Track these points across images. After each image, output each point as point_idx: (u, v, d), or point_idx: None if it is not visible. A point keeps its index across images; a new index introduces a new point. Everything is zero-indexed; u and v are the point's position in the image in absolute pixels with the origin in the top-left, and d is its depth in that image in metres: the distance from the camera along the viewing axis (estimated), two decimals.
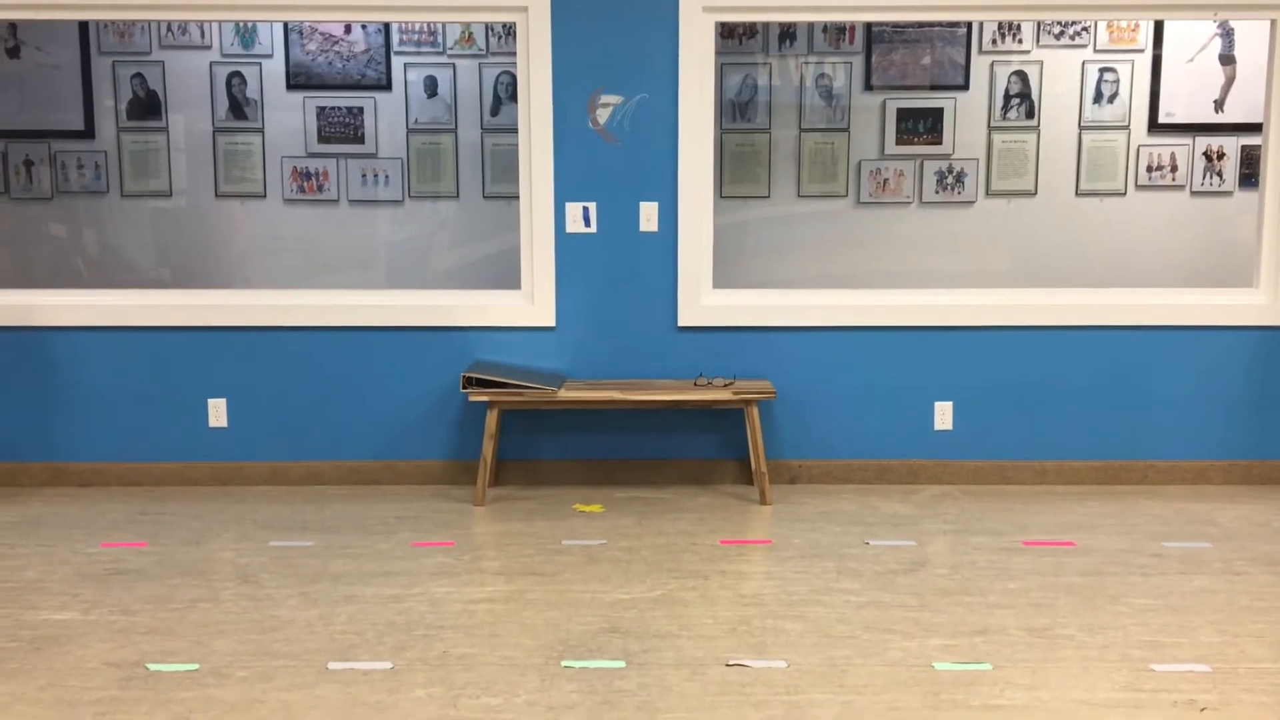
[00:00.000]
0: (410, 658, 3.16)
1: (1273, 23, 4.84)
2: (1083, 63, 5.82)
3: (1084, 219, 5.93)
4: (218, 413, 4.99)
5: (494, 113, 5.89)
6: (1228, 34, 5.80)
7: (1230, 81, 5.84)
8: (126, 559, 4.03)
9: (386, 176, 5.93)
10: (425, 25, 5.80)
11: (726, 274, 5.77)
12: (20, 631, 3.35)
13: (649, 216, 4.90)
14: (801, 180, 5.90)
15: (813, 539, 4.25)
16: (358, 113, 5.88)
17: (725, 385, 4.80)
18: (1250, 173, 5.86)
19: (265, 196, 5.93)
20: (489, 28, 5.81)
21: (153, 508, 4.69)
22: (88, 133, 5.89)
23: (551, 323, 4.94)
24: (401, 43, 5.84)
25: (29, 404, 4.98)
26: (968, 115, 5.86)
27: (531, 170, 4.86)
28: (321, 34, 5.81)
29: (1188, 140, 5.87)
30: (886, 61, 5.82)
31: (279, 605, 3.56)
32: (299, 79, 5.86)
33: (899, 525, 4.43)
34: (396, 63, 5.86)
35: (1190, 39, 5.80)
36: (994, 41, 5.80)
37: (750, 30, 5.78)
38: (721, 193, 5.87)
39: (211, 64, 5.84)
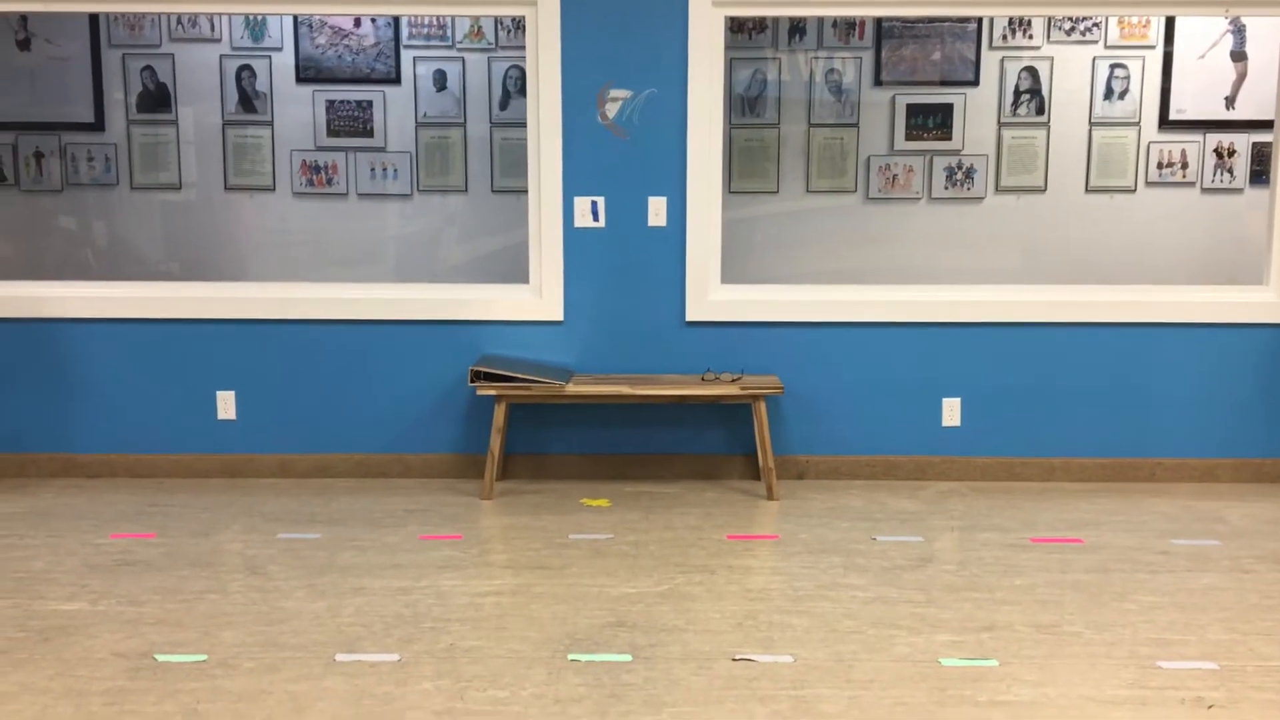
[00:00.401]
0: (417, 650, 3.16)
1: None
2: (1093, 59, 5.80)
3: (1094, 215, 5.92)
4: (226, 405, 5.00)
5: (503, 107, 5.89)
6: (1239, 30, 5.77)
7: (1241, 78, 5.81)
8: (135, 550, 4.04)
9: (395, 170, 5.94)
10: (435, 19, 5.80)
11: (735, 269, 5.77)
12: (29, 622, 3.37)
13: (657, 211, 4.90)
14: (810, 176, 5.89)
15: (820, 534, 4.25)
16: (367, 106, 5.89)
17: (733, 380, 4.79)
18: (1261, 170, 5.84)
19: (274, 190, 5.94)
20: (498, 21, 5.81)
21: (161, 499, 4.70)
22: (98, 125, 5.90)
23: (559, 317, 4.94)
24: (411, 36, 5.84)
25: (38, 396, 5.00)
26: (977, 111, 5.84)
27: (540, 164, 4.86)
28: (331, 27, 5.81)
29: (1198, 137, 5.85)
30: (896, 57, 5.80)
31: (287, 597, 3.57)
32: (308, 72, 5.86)
33: (906, 521, 4.43)
34: (406, 56, 5.86)
35: (1202, 35, 5.77)
36: (1004, 37, 5.79)
37: (760, 25, 5.77)
38: (730, 188, 5.87)
39: (221, 57, 5.85)
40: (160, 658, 3.11)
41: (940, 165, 5.88)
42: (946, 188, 5.90)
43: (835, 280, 5.85)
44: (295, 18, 5.80)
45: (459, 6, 4.80)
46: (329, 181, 5.94)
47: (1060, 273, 5.89)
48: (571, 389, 4.65)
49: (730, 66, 5.78)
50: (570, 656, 3.13)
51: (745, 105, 5.85)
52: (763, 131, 5.87)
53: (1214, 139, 5.85)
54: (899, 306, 4.94)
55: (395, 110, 5.90)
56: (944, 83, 5.83)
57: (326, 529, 4.30)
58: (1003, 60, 5.81)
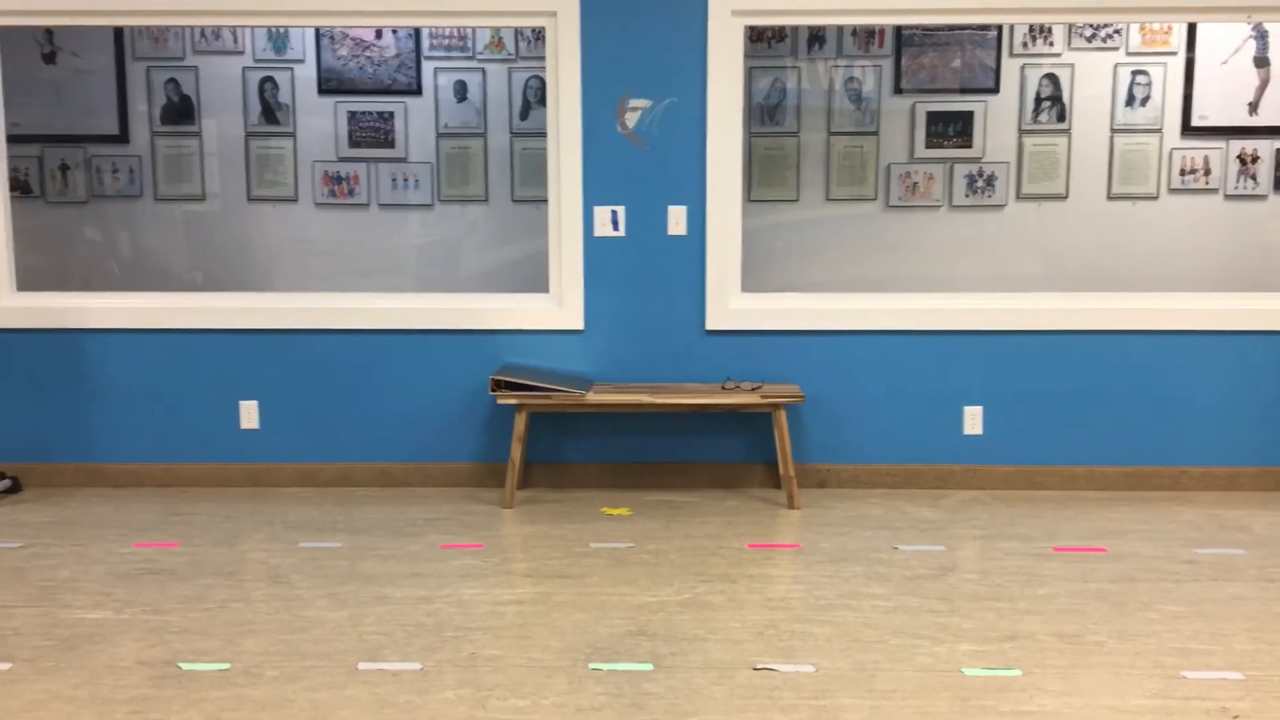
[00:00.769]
0: (439, 659, 3.17)
1: None
2: (1115, 65, 5.78)
3: (1116, 223, 5.88)
4: (249, 414, 5.03)
5: (523, 117, 5.92)
6: (1262, 36, 5.74)
7: (1265, 84, 5.78)
8: (159, 559, 4.07)
9: (416, 180, 5.97)
10: (455, 30, 5.83)
11: (755, 278, 5.76)
12: (55, 630, 3.39)
13: (677, 220, 4.90)
14: (830, 184, 5.89)
15: (841, 543, 4.24)
16: (388, 117, 5.92)
17: (753, 389, 4.79)
18: None
19: (297, 200, 5.98)
20: (518, 32, 5.84)
21: (185, 508, 4.73)
22: (122, 137, 5.95)
23: (580, 326, 4.96)
24: (432, 47, 5.87)
25: (63, 405, 5.04)
26: (998, 118, 5.82)
27: (560, 174, 4.87)
28: (353, 39, 5.85)
29: (1221, 143, 5.82)
30: (916, 65, 5.80)
31: (309, 606, 3.59)
32: (330, 84, 5.90)
33: (928, 530, 4.41)
34: (427, 67, 5.89)
35: (1224, 41, 5.74)
36: (1025, 44, 5.77)
37: (779, 34, 5.77)
38: (750, 196, 5.87)
39: (244, 69, 5.90)
40: (184, 666, 3.13)
41: (961, 173, 5.86)
42: (967, 195, 5.88)
43: (856, 288, 5.84)
44: (317, 30, 5.84)
45: (480, 18, 4.83)
46: (350, 192, 5.97)
47: (1082, 280, 5.86)
48: (592, 398, 4.65)
49: (750, 75, 5.78)
50: (591, 665, 3.13)
51: (765, 114, 5.85)
52: (782, 140, 5.87)
53: (1237, 145, 5.82)
54: (920, 314, 4.93)
55: (416, 121, 5.93)
56: (964, 90, 5.81)
57: (348, 538, 4.31)
58: (1023, 67, 5.79)
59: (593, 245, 4.92)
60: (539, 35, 5.81)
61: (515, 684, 3.01)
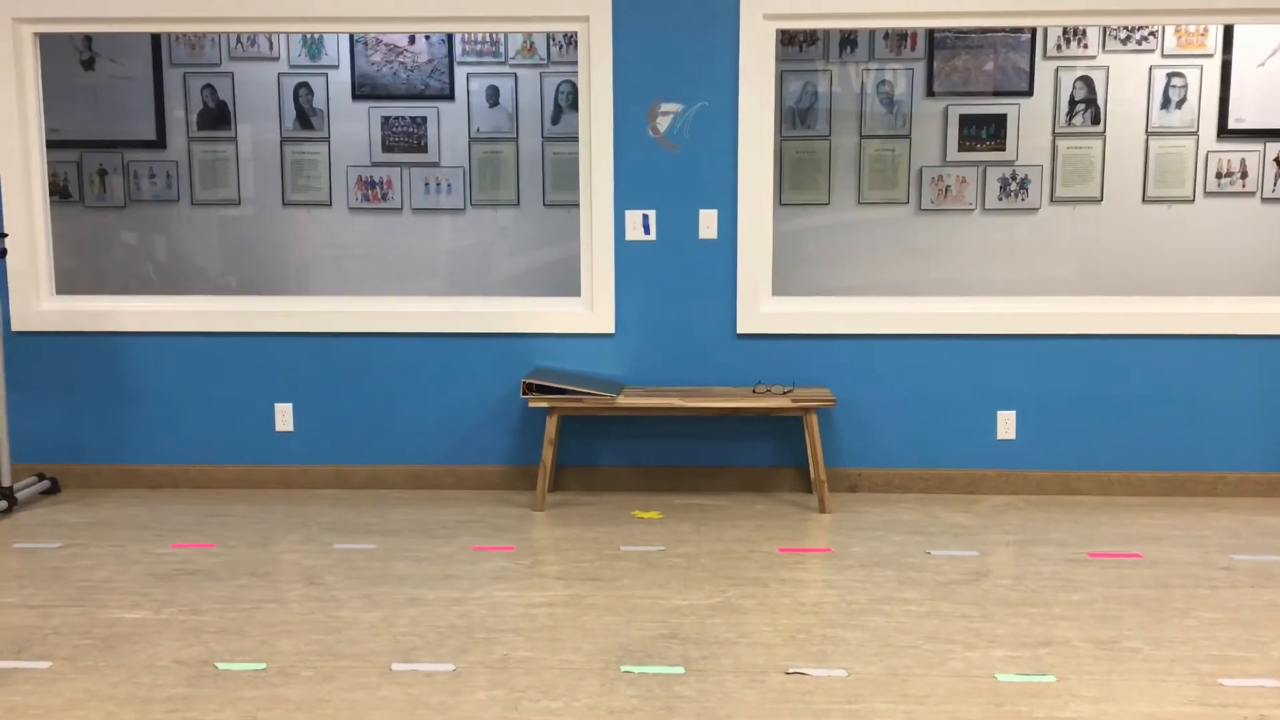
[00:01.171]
0: (472, 660, 3.19)
1: None
2: (1150, 68, 5.74)
3: (1151, 226, 5.84)
4: (284, 417, 5.08)
5: (555, 121, 5.94)
6: None
7: None
8: (195, 560, 4.11)
9: (449, 185, 6.00)
10: (488, 35, 5.87)
11: (786, 281, 5.76)
12: (94, 629, 3.44)
13: (708, 224, 4.91)
14: (862, 187, 5.87)
15: (873, 548, 4.23)
16: (421, 122, 5.96)
17: (784, 393, 4.79)
18: None
19: (331, 205, 6.03)
20: (550, 37, 5.86)
21: (220, 510, 4.78)
22: (159, 143, 6.02)
23: (611, 329, 4.97)
24: (464, 53, 5.91)
25: (100, 407, 5.10)
26: (1032, 121, 5.79)
27: (592, 178, 4.89)
28: (386, 45, 5.90)
29: (1258, 146, 5.76)
30: (949, 67, 5.78)
31: (343, 607, 3.62)
32: (364, 89, 5.95)
33: (961, 535, 4.39)
34: (459, 73, 5.93)
35: (1261, 43, 5.69)
36: (1059, 47, 5.74)
37: (811, 37, 5.77)
38: (781, 200, 5.86)
39: (279, 75, 5.96)
40: (221, 666, 3.16)
41: (994, 176, 5.84)
42: (1000, 198, 5.85)
43: (887, 292, 5.82)
44: (352, 36, 5.89)
45: (512, 23, 4.85)
46: (384, 196, 6.02)
47: (1117, 284, 5.82)
48: (623, 401, 4.66)
49: (781, 79, 5.78)
50: (623, 668, 3.14)
51: (796, 117, 5.85)
52: (814, 143, 5.86)
53: (1274, 148, 5.76)
54: (952, 318, 4.91)
55: (449, 126, 5.97)
56: (997, 93, 5.79)
57: (382, 540, 4.34)
58: (1057, 70, 5.76)
59: (624, 249, 4.94)
60: (571, 40, 5.83)
61: (547, 686, 3.02)
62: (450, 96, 5.94)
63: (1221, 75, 5.72)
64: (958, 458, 5.00)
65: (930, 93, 5.81)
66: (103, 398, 5.10)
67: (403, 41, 5.89)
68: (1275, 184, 5.78)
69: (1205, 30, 5.69)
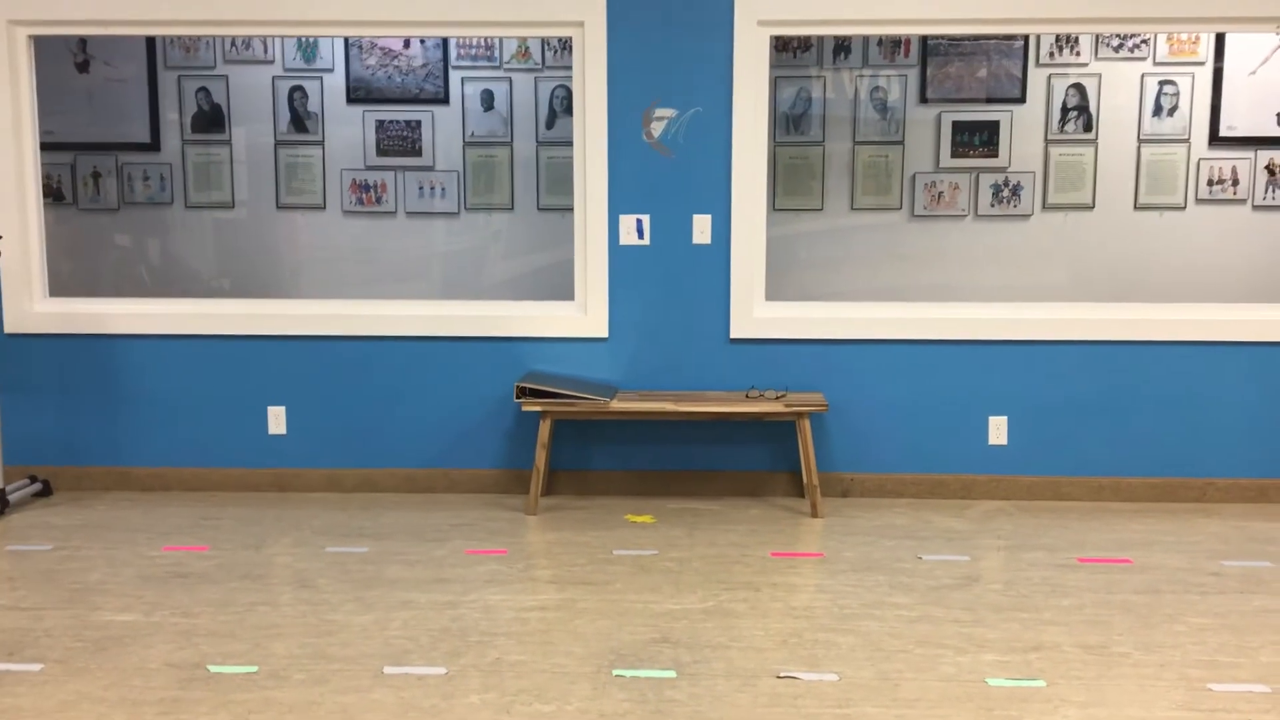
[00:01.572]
0: (464, 664, 3.19)
1: None
2: (1142, 75, 5.76)
3: (1143, 233, 5.87)
4: (277, 420, 5.08)
5: (549, 126, 5.95)
6: None
7: None
8: (188, 562, 4.11)
9: (443, 189, 6.01)
10: (482, 40, 5.88)
11: (779, 286, 5.78)
12: (85, 632, 3.44)
13: (702, 229, 4.92)
14: (855, 193, 5.89)
15: (864, 553, 4.24)
16: (415, 126, 5.97)
17: (777, 397, 4.80)
18: None
19: (325, 208, 6.04)
20: (545, 42, 5.88)
21: (213, 513, 4.78)
22: (153, 145, 6.03)
23: (604, 334, 4.98)
24: (459, 57, 5.92)
25: (93, 410, 5.10)
26: (1024, 128, 5.82)
27: (586, 183, 4.90)
28: (381, 49, 5.90)
29: (1249, 153, 5.79)
30: (942, 74, 5.80)
31: (335, 610, 3.62)
32: (359, 93, 5.96)
33: (952, 540, 4.41)
34: (454, 77, 5.94)
35: (1253, 51, 5.72)
36: (1051, 54, 5.76)
37: (805, 43, 5.79)
38: (774, 205, 5.88)
39: (274, 78, 5.96)
40: (213, 668, 3.16)
41: (986, 182, 5.86)
42: (993, 205, 5.87)
43: (880, 297, 5.84)
44: (346, 40, 5.89)
45: (508, 28, 4.86)
46: (378, 200, 6.02)
47: (1108, 291, 5.84)
48: (616, 405, 4.67)
49: (775, 85, 5.80)
50: (615, 672, 3.15)
51: (790, 123, 5.87)
52: (807, 149, 5.88)
53: (1265, 155, 5.79)
54: (945, 324, 4.92)
55: (443, 130, 5.98)
56: (990, 100, 5.81)
57: (374, 543, 4.35)
58: (1050, 77, 5.78)
59: (618, 253, 4.95)
60: (565, 45, 5.85)
61: (539, 689, 3.03)
62: (445, 100, 5.95)
63: (1213, 83, 5.75)
64: (950, 463, 5.01)
65: (923, 99, 5.83)
66: (96, 400, 5.10)
67: (397, 45, 5.90)
68: (1266, 191, 5.81)
69: (1197, 38, 5.72)
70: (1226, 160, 5.80)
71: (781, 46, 5.79)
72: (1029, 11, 4.74)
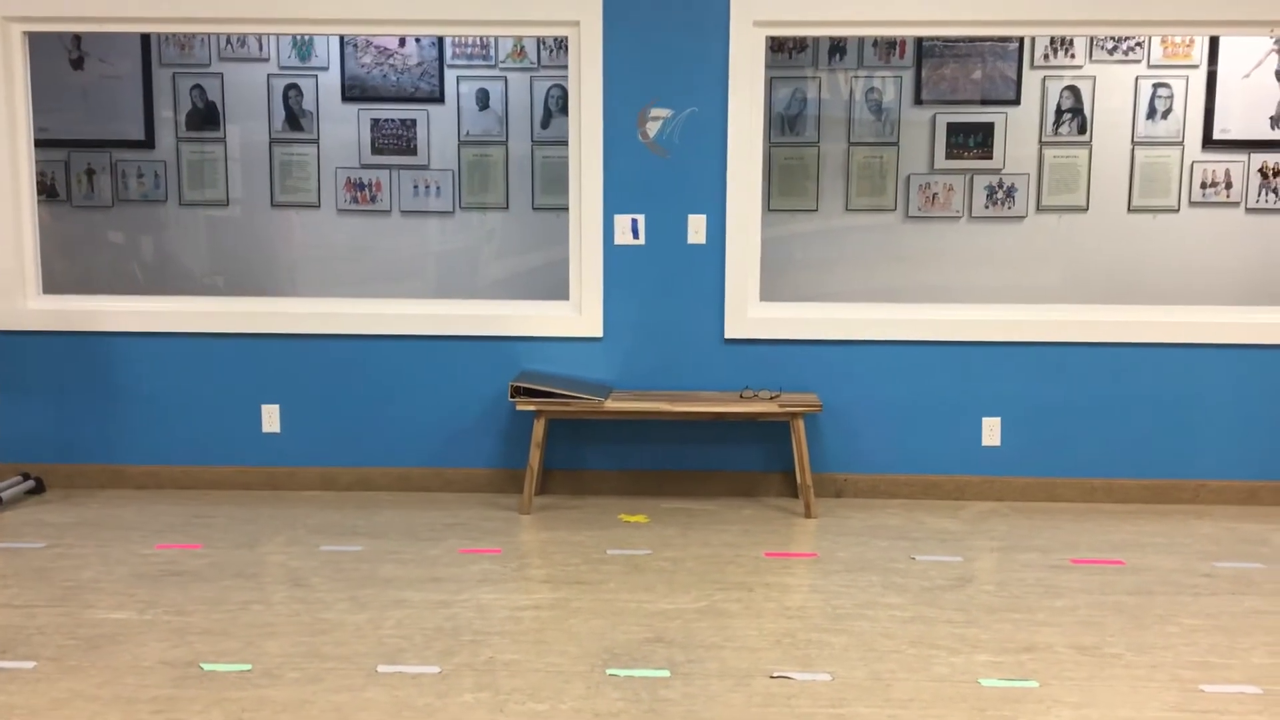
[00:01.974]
0: (458, 663, 3.19)
1: None
2: (1136, 78, 5.78)
3: (1136, 235, 5.88)
4: (271, 418, 5.07)
5: (544, 125, 5.95)
6: None
7: None
8: (181, 561, 4.11)
9: (438, 187, 6.01)
10: (478, 39, 5.88)
11: (774, 287, 5.78)
12: (79, 630, 3.43)
13: (697, 229, 4.92)
14: (850, 194, 5.90)
15: (858, 553, 4.25)
16: (410, 125, 5.96)
17: (771, 398, 4.80)
18: None
19: (319, 206, 6.03)
20: (541, 41, 5.88)
21: (207, 511, 4.77)
22: (148, 143, 6.02)
23: (599, 333, 4.98)
24: (454, 56, 5.92)
25: (87, 407, 5.09)
26: (1019, 130, 5.83)
27: (581, 182, 4.90)
28: (376, 47, 5.90)
29: (1243, 156, 5.81)
30: (937, 76, 5.81)
31: (329, 608, 3.62)
32: (354, 91, 5.95)
33: (945, 541, 4.42)
34: (449, 76, 5.93)
35: (1246, 55, 5.73)
36: (1046, 56, 5.77)
37: (800, 44, 5.80)
38: (769, 206, 5.89)
39: (269, 76, 5.95)
40: (206, 666, 3.16)
41: (981, 184, 5.87)
42: (987, 206, 5.88)
43: (874, 298, 5.85)
44: (341, 38, 5.89)
45: (503, 27, 4.86)
46: (373, 198, 6.02)
47: (1102, 293, 5.86)
48: (610, 405, 4.67)
49: (770, 85, 5.80)
50: (609, 671, 3.15)
51: (785, 124, 5.87)
52: (802, 150, 5.88)
53: (1259, 158, 5.81)
54: (939, 325, 4.93)
55: (438, 128, 5.97)
56: (985, 102, 5.82)
57: (368, 542, 4.34)
58: (1044, 79, 5.80)
59: (613, 253, 4.95)
60: (561, 44, 5.85)
61: (533, 689, 3.03)
62: (440, 99, 5.95)
63: (1207, 86, 5.77)
64: (943, 464, 5.02)
65: (918, 101, 5.84)
66: (89, 398, 5.09)
67: (393, 44, 5.90)
68: (1259, 194, 5.83)
69: (1191, 41, 5.74)
70: (1220, 163, 5.82)
71: (777, 47, 5.80)
72: (1024, 14, 4.75)
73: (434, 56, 5.92)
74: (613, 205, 4.92)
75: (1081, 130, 5.83)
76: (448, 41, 5.90)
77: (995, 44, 5.77)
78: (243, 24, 4.89)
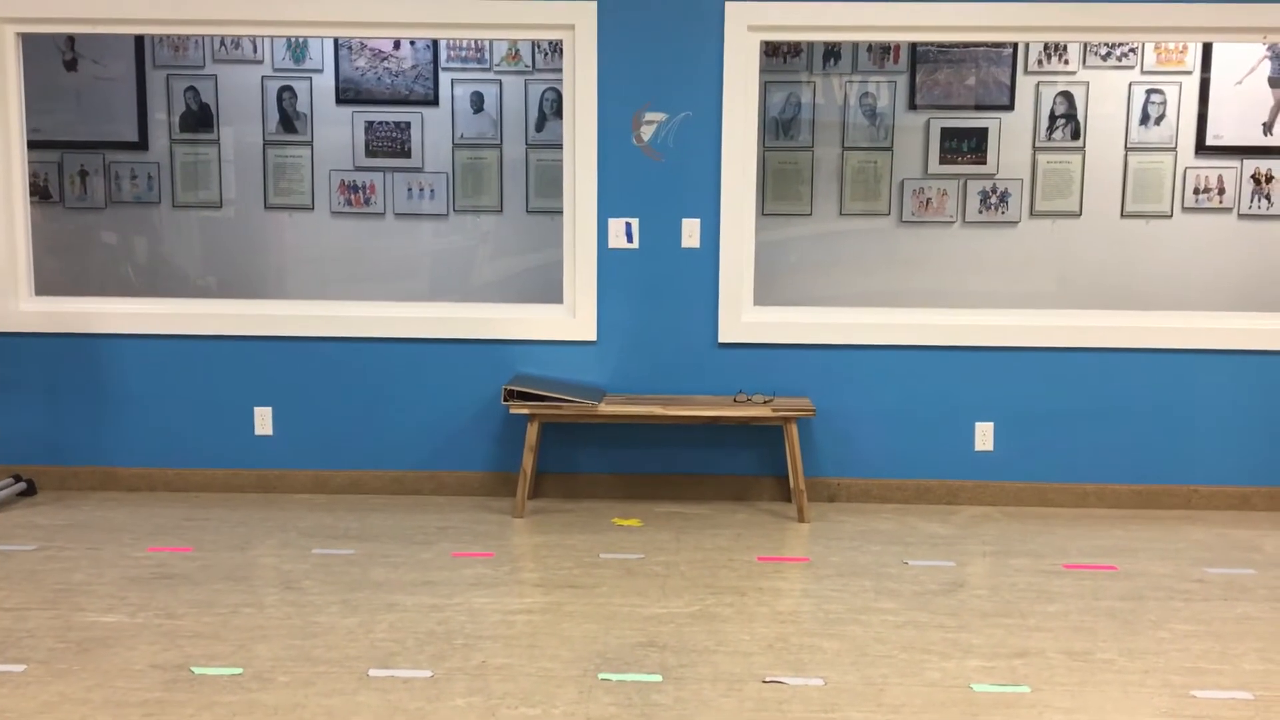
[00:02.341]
0: (449, 667, 3.19)
1: None
2: (1129, 84, 5.79)
3: (1129, 241, 5.89)
4: (263, 421, 5.06)
5: (539, 128, 5.95)
6: (1277, 57, 5.75)
7: (1279, 104, 5.78)
8: (172, 563, 4.10)
9: (432, 190, 6.00)
10: (473, 42, 5.87)
11: (767, 291, 5.79)
12: (69, 633, 3.42)
13: (691, 233, 4.93)
14: (844, 198, 5.90)
15: (851, 558, 4.25)
16: (405, 127, 5.96)
17: (765, 402, 4.80)
18: None
19: (313, 209, 6.02)
20: (535, 45, 5.87)
21: (198, 513, 4.76)
22: (141, 144, 6.00)
23: (593, 337, 4.98)
24: (449, 59, 5.91)
25: (79, 409, 5.08)
26: (1012, 135, 5.84)
27: (575, 185, 4.90)
28: (371, 50, 5.90)
29: (1235, 163, 5.82)
30: (931, 81, 5.82)
31: (321, 612, 3.61)
32: (348, 94, 5.95)
33: (938, 546, 4.42)
34: (444, 79, 5.93)
35: (1239, 61, 5.75)
36: (1040, 62, 5.79)
37: (794, 49, 5.80)
38: (764, 210, 5.89)
39: (263, 78, 5.94)
40: (197, 670, 3.15)
41: (974, 189, 5.88)
42: (980, 211, 5.89)
43: (868, 303, 5.85)
44: (336, 40, 5.88)
45: (498, 30, 4.86)
46: (367, 201, 6.01)
47: (1095, 298, 5.87)
48: (604, 409, 4.67)
49: (765, 90, 5.81)
50: (601, 676, 3.14)
51: (779, 128, 5.88)
52: (796, 154, 5.89)
53: (1251, 165, 5.82)
54: (932, 330, 4.94)
55: (433, 131, 5.97)
56: (979, 107, 5.83)
57: (360, 545, 4.34)
58: (1038, 85, 5.81)
59: (607, 257, 4.95)
60: (556, 48, 5.85)
61: (525, 693, 3.03)
62: (434, 102, 5.94)
63: (1200, 92, 5.78)
64: (936, 468, 5.02)
65: (912, 106, 5.85)
66: (81, 399, 5.07)
67: (387, 46, 5.89)
68: (1252, 200, 5.84)
69: (1184, 48, 5.75)
70: (1213, 169, 5.83)
71: (771, 52, 5.81)
72: (1017, 20, 4.76)
73: (428, 59, 5.91)
74: (607, 209, 4.92)
75: (1075, 136, 5.84)
76: (442, 44, 5.90)
77: (989, 49, 5.78)
78: (237, 26, 4.89)
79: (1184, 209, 5.86)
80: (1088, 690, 3.09)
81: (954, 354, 4.97)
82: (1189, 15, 4.74)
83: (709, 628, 3.51)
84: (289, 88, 5.95)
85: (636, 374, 5.00)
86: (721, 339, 4.96)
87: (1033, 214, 5.89)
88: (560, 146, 5.85)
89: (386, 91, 5.94)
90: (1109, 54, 5.77)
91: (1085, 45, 5.77)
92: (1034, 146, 5.86)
